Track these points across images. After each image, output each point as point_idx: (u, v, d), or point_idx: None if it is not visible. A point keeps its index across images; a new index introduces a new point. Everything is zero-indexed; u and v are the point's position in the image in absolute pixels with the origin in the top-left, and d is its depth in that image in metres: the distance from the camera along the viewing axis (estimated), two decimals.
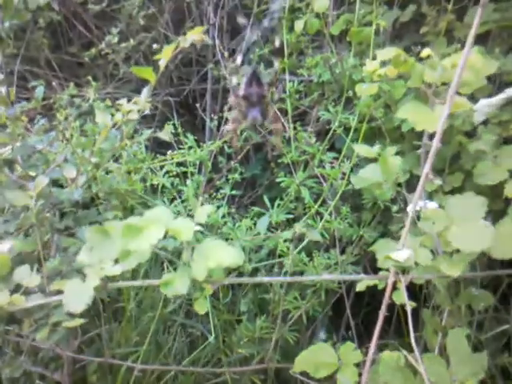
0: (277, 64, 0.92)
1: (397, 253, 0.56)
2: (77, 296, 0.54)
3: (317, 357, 0.76)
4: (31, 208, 0.65)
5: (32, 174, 0.75)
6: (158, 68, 1.05)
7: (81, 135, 1.06)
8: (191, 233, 0.54)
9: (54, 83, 1.75)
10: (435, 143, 0.53)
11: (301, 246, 1.13)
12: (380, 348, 1.22)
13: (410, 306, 0.57)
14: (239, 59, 0.91)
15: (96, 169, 0.80)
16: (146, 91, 0.76)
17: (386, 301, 0.59)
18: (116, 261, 0.54)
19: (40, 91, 1.43)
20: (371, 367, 0.77)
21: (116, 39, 1.50)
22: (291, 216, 1.19)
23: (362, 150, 0.74)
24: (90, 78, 1.34)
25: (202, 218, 0.58)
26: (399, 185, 0.98)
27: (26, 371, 0.87)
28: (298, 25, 1.21)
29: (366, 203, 1.18)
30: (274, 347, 1.27)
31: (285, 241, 1.08)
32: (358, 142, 1.13)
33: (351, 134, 1.10)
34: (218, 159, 1.29)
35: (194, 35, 0.71)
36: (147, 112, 0.79)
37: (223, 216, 1.09)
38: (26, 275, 0.59)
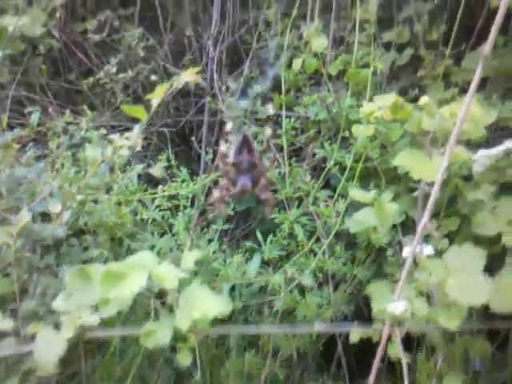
0: (269, 131, 0.88)
1: (393, 305, 0.54)
2: (49, 347, 0.51)
3: None
4: (10, 246, 0.62)
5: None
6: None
7: (73, 165, 1.04)
8: (176, 281, 0.51)
9: (50, 109, 1.75)
10: (434, 193, 0.52)
11: (293, 284, 1.11)
12: None
13: (405, 360, 0.55)
14: (229, 126, 0.86)
15: (81, 205, 0.78)
16: (137, 129, 0.75)
17: (380, 353, 0.56)
18: (96, 306, 0.52)
19: (35, 117, 1.42)
20: None
21: (114, 69, 1.51)
22: (284, 253, 1.17)
23: (357, 194, 0.73)
24: (85, 106, 1.34)
25: (188, 264, 0.56)
26: (394, 226, 0.97)
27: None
28: (297, 63, 1.22)
29: (360, 242, 1.17)
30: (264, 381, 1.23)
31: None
32: (354, 181, 1.13)
33: (347, 172, 1.10)
34: (211, 192, 1.28)
35: (189, 76, 0.71)
36: (138, 149, 0.78)
37: (214, 252, 1.07)
38: None
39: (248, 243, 1.16)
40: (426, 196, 0.83)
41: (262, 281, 1.04)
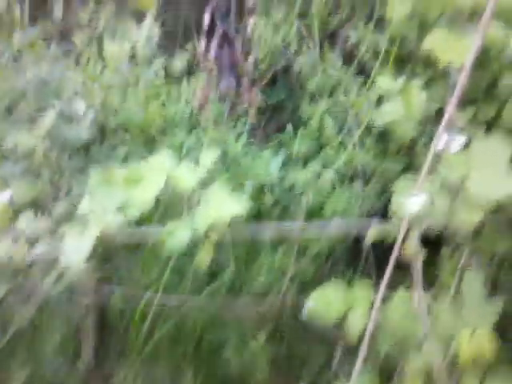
0: (251, 20, 0.74)
1: (411, 199, 0.52)
2: (76, 245, 0.53)
3: (330, 295, 0.75)
4: (38, 148, 0.63)
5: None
6: None
7: (99, 60, 1.01)
8: (193, 182, 0.51)
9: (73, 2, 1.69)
10: (463, 76, 0.47)
11: (322, 179, 1.10)
12: (396, 284, 1.21)
13: (420, 259, 0.54)
14: (207, 18, 0.76)
15: (104, 104, 0.76)
16: (149, 18, 0.70)
17: (396, 250, 0.56)
18: (120, 209, 0.53)
19: (58, 11, 1.37)
20: (382, 310, 0.76)
21: None
22: (314, 146, 1.15)
23: (384, 82, 0.68)
24: None
25: (207, 163, 0.55)
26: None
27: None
28: None
29: (391, 134, 1.12)
30: (292, 280, 1.28)
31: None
32: (389, 64, 1.05)
33: (381, 57, 1.02)
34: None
35: None
36: (156, 39, 0.73)
37: (243, 146, 1.05)
38: (30, 222, 0.58)
39: (277, 137, 1.14)
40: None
41: (290, 177, 1.03)
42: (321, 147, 1.16)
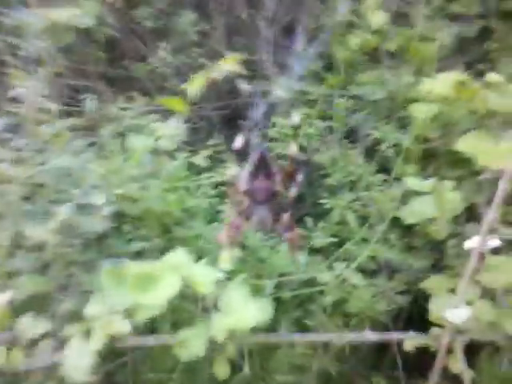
0: (294, 147, 0.62)
1: (453, 312, 0.48)
2: (78, 358, 0.49)
3: None
4: (49, 243, 0.61)
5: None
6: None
7: (122, 154, 1.04)
8: (211, 285, 0.48)
9: (105, 96, 1.78)
10: (503, 186, 0.45)
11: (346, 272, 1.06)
12: None
13: (468, 375, 0.49)
14: (239, 141, 0.63)
15: (122, 198, 0.76)
16: (174, 121, 0.72)
17: (438, 365, 0.51)
18: (129, 311, 0.50)
19: (91, 104, 1.44)
20: None
21: (166, 53, 1.50)
22: (335, 240, 1.12)
23: (414, 183, 0.66)
24: (135, 92, 1.34)
25: (226, 265, 0.53)
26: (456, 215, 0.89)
27: None
28: (354, 41, 1.14)
29: (417, 230, 1.09)
30: (315, 376, 1.20)
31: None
32: (411, 163, 1.05)
33: (403, 155, 1.02)
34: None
35: (228, 65, 0.66)
36: (181, 138, 0.75)
37: (262, 240, 1.03)
38: (29, 325, 0.55)
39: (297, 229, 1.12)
40: (492, 183, 0.75)
41: (310, 273, 0.99)
42: (342, 241, 1.13)
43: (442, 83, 0.75)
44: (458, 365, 0.52)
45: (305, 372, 1.21)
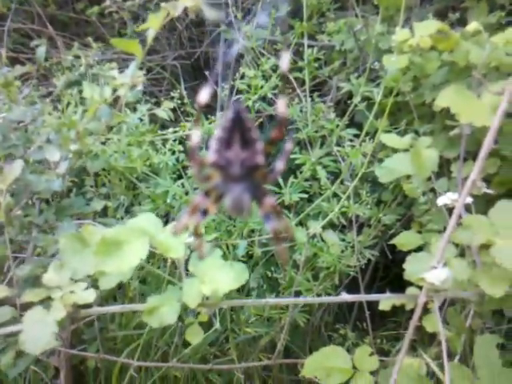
0: (283, 103, 0.44)
1: (432, 272, 0.47)
2: (37, 330, 0.46)
3: (329, 361, 0.69)
4: (0, 203, 0.56)
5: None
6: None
7: (79, 105, 0.97)
8: (182, 250, 0.45)
9: (58, 42, 1.66)
10: (486, 145, 0.44)
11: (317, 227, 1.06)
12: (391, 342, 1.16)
13: (444, 335, 0.49)
14: (205, 94, 0.46)
15: (78, 155, 0.71)
16: (132, 67, 0.66)
17: (413, 324, 0.51)
18: (92, 279, 0.46)
19: (41, 52, 1.33)
20: (386, 372, 0.71)
21: None
22: (305, 196, 1.11)
23: (390, 139, 0.64)
24: (90, 38, 1.25)
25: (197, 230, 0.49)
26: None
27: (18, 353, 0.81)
28: None
29: (386, 184, 1.09)
30: (282, 328, 1.22)
31: (298, 225, 1.01)
32: (382, 117, 1.03)
33: (375, 108, 1.00)
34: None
35: (187, 1, 0.59)
36: (139, 88, 0.69)
37: None
38: None
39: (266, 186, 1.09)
40: (467, 138, 0.74)
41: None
42: (312, 197, 1.12)
43: (420, 33, 0.71)
44: (434, 323, 0.53)
45: (274, 324, 1.23)
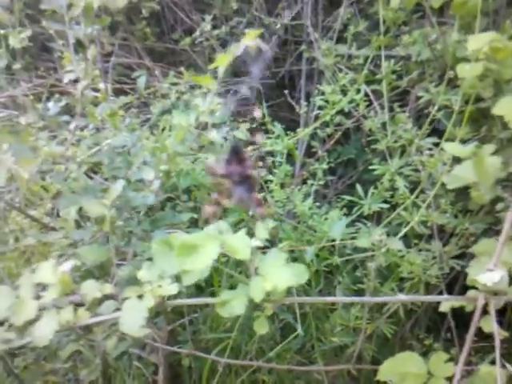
0: (259, 137, 0.73)
1: (487, 275, 0.49)
2: (133, 315, 0.55)
3: (404, 366, 0.70)
4: (105, 216, 0.67)
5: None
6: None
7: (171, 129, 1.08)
8: (248, 251, 0.52)
9: (156, 72, 1.83)
10: None
11: (398, 237, 1.06)
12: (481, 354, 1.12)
13: (499, 335, 0.49)
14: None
15: (166, 176, 0.81)
16: (209, 97, 0.75)
17: (473, 326, 0.52)
18: (177, 276, 0.55)
19: (142, 82, 1.49)
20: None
21: (209, 26, 1.51)
22: (386, 206, 1.12)
23: (453, 149, 0.65)
24: (183, 68, 1.37)
25: (263, 234, 0.56)
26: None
27: (125, 352, 0.93)
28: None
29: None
30: (370, 338, 1.23)
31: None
32: (462, 125, 1.02)
33: (454, 116, 0.99)
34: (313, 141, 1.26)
35: (248, 41, 0.67)
36: (218, 114, 0.77)
37: (310, 208, 1.05)
38: (92, 288, 0.62)
39: (346, 197, 1.13)
40: None
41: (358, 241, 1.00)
42: (393, 207, 1.13)
43: (473, 46, 0.72)
44: (491, 325, 0.53)
45: (360, 333, 1.24)
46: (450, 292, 1.27)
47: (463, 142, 0.97)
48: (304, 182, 1.24)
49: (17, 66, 1.24)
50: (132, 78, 1.78)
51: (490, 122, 1.00)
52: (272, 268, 0.54)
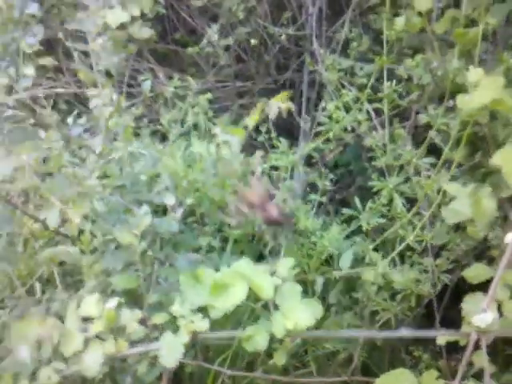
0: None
1: (480, 317, 0.53)
2: (170, 350, 0.61)
3: (397, 382, 0.75)
4: (135, 246, 0.71)
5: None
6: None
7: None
8: (271, 291, 0.57)
9: (161, 75, 1.85)
10: None
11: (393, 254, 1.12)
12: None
13: (489, 370, 0.55)
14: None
15: (192, 205, 0.84)
16: (236, 143, 0.80)
17: (466, 359, 0.57)
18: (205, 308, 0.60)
19: (147, 85, 1.52)
20: None
21: (216, 36, 1.54)
22: (383, 220, 1.17)
23: (452, 189, 0.70)
24: (189, 76, 1.40)
25: (283, 271, 0.61)
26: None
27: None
28: (399, 22, 1.14)
29: None
30: (362, 345, 1.28)
31: (374, 249, 1.08)
32: (459, 148, 1.07)
33: (451, 142, 1.04)
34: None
35: (280, 103, 0.71)
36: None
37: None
38: (129, 318, 0.67)
39: (346, 211, 1.17)
40: None
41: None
42: (389, 222, 1.18)
43: (476, 75, 0.76)
44: (481, 360, 0.58)
45: (352, 341, 1.29)
46: (440, 299, 1.33)
47: (460, 165, 1.02)
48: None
49: (30, 70, 1.25)
50: (135, 79, 1.80)
51: (485, 145, 1.05)
52: (291, 304, 0.59)
